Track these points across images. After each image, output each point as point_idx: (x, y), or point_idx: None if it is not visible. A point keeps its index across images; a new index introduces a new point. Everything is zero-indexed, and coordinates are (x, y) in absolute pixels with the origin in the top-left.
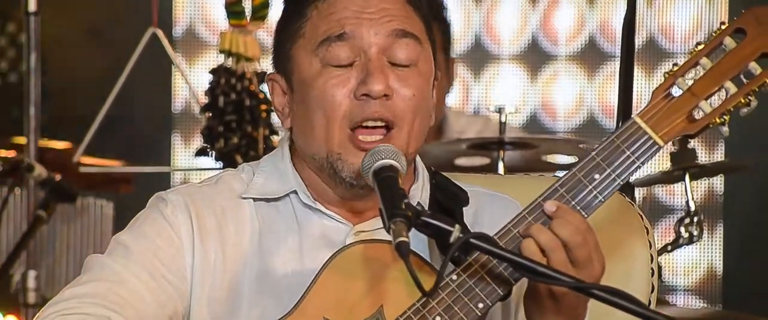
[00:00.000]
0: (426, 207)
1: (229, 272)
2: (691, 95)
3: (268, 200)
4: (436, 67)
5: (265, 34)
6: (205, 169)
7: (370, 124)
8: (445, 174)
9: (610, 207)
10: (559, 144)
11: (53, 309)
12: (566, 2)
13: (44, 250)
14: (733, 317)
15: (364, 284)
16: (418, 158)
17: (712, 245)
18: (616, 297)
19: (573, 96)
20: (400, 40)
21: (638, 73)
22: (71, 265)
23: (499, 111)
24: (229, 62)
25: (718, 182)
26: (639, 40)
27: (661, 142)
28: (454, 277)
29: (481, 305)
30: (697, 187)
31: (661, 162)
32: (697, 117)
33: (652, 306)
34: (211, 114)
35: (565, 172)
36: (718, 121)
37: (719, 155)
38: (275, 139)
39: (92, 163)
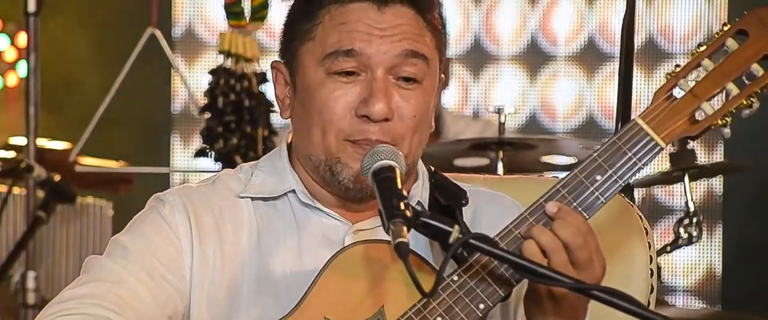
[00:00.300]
0: (426, 207)
1: (228, 271)
2: (693, 96)
3: (265, 199)
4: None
5: (265, 34)
6: (204, 171)
7: (364, 144)
8: (444, 174)
9: (610, 208)
10: (558, 144)
11: (53, 310)
12: (565, 3)
13: (44, 251)
14: (732, 317)
15: (365, 284)
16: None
17: (711, 246)
18: (615, 298)
19: (572, 96)
20: (408, 60)
21: (637, 74)
22: (70, 266)
23: (499, 111)
24: (229, 63)
25: (717, 183)
26: (638, 41)
27: (662, 144)
28: (455, 278)
29: (482, 306)
30: (696, 188)
31: (660, 163)
32: (698, 118)
33: (652, 307)
34: (210, 115)
35: (566, 173)
36: (719, 122)
37: (718, 156)
38: (275, 139)
39: (91, 164)
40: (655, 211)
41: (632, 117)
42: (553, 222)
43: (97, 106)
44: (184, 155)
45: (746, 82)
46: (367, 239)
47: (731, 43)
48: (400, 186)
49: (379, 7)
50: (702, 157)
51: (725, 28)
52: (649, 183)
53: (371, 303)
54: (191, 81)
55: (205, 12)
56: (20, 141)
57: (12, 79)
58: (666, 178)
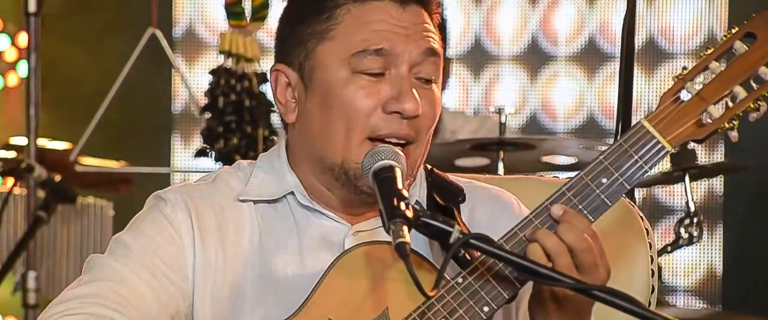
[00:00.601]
0: (424, 207)
1: (230, 271)
2: (700, 99)
3: (265, 201)
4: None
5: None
6: (204, 171)
7: (393, 140)
8: (439, 172)
9: (611, 208)
10: (558, 144)
11: (56, 310)
12: (566, 3)
13: (44, 251)
14: (733, 317)
15: (369, 285)
16: None
17: (711, 246)
18: (616, 298)
19: (573, 96)
20: (428, 58)
21: (638, 74)
22: (71, 266)
23: (499, 111)
24: (229, 63)
25: (717, 183)
26: (639, 41)
27: (669, 147)
28: (460, 280)
29: (486, 308)
30: (696, 188)
31: (661, 163)
32: (705, 122)
33: (652, 307)
34: (210, 115)
35: (568, 174)
36: (727, 125)
37: (719, 156)
38: (276, 139)
39: (92, 164)
40: (655, 211)
41: (633, 118)
42: (558, 225)
43: (98, 105)
44: (185, 155)
45: (754, 85)
46: (371, 240)
47: (739, 46)
48: (400, 186)
49: (402, 4)
50: (702, 157)
51: (733, 31)
52: (649, 183)
53: (375, 304)
54: (192, 81)
55: (206, 12)
56: (21, 141)
57: (12, 79)
58: (667, 178)
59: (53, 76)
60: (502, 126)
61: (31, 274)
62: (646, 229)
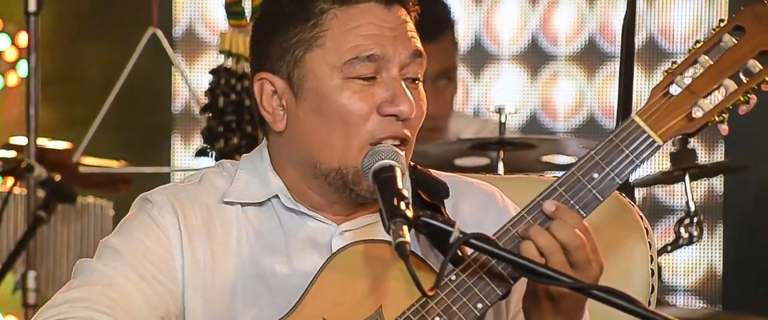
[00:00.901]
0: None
1: (220, 271)
2: (690, 93)
3: (251, 204)
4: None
5: None
6: None
7: (390, 141)
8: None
9: (610, 207)
10: (559, 144)
11: (46, 314)
12: (566, 2)
13: (44, 251)
14: (733, 317)
15: (363, 284)
16: None
17: (711, 245)
18: (615, 298)
19: (573, 96)
20: (416, 59)
21: (638, 74)
22: (71, 266)
23: (499, 111)
24: (229, 62)
25: (717, 182)
26: (639, 41)
27: (659, 141)
28: (453, 277)
29: (480, 305)
30: (696, 188)
31: (660, 163)
32: (696, 115)
33: (652, 307)
34: (211, 114)
35: (564, 172)
36: (717, 119)
37: (719, 155)
38: None
39: (92, 164)
40: (655, 211)
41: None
42: (551, 222)
43: (98, 105)
44: (185, 155)
45: (743, 78)
46: (365, 239)
47: (728, 40)
48: (400, 186)
49: (386, 5)
50: (702, 157)
51: (722, 24)
52: (649, 182)
53: (369, 303)
54: (192, 80)
55: (206, 12)
56: (21, 141)
57: (12, 79)
58: (666, 178)
59: (53, 76)
60: (502, 126)
61: (31, 274)
62: (646, 229)
